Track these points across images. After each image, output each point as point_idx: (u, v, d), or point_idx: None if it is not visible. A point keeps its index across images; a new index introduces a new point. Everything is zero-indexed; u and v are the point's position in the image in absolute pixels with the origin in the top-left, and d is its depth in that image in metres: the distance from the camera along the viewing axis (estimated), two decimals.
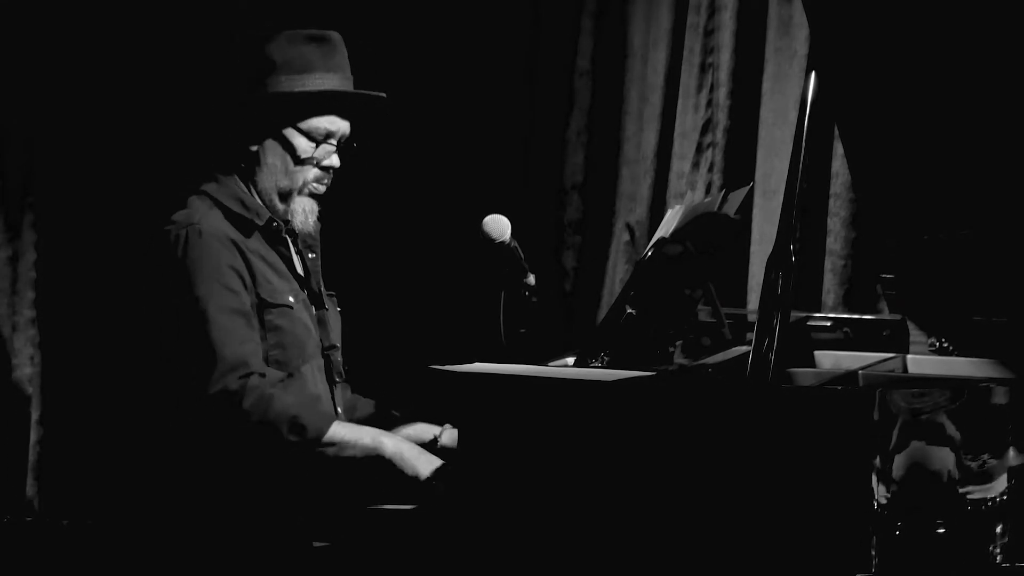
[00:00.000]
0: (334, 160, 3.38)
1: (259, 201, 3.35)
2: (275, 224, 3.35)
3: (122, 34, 5.15)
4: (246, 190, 3.36)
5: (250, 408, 3.11)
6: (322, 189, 3.39)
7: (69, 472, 5.14)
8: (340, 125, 3.37)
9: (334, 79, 3.36)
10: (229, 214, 3.31)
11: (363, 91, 3.40)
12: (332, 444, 3.16)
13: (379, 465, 3.16)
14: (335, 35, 3.39)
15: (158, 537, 3.29)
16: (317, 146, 3.35)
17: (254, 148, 3.35)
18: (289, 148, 3.34)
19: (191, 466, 3.25)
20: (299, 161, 3.35)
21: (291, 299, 3.33)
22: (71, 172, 5.16)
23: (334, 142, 3.37)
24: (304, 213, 3.38)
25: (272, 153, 3.35)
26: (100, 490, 5.02)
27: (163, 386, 3.27)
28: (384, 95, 3.43)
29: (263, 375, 3.18)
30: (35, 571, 4.73)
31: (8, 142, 5.10)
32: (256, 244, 3.32)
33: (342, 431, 3.19)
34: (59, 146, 5.15)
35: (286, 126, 3.34)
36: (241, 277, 3.24)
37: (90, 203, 5.17)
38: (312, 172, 3.36)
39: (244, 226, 3.31)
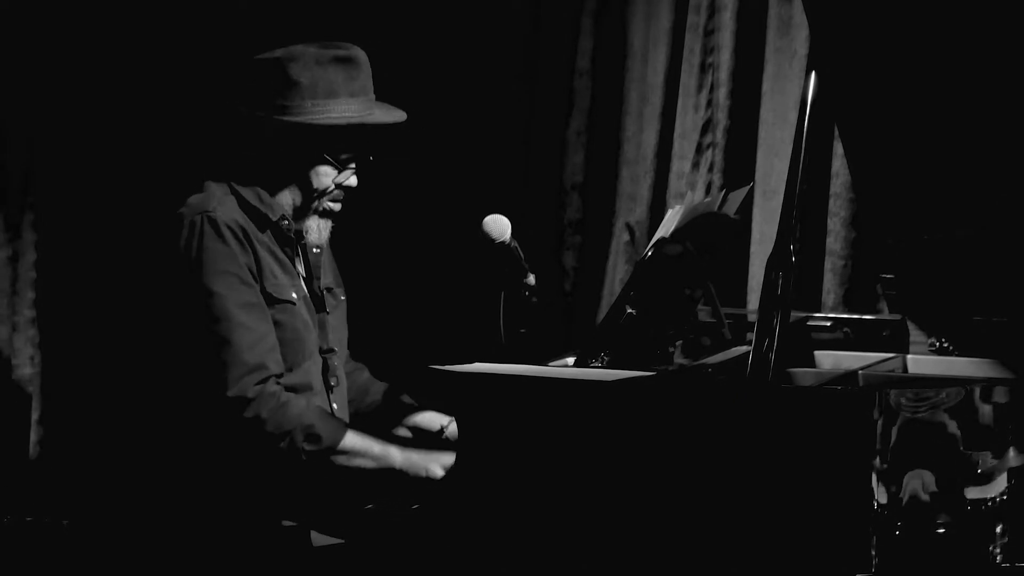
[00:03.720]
0: (352, 180, 3.36)
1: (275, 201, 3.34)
2: (286, 223, 3.34)
3: (122, 34, 5.15)
4: (265, 191, 3.33)
5: (266, 416, 3.12)
6: (337, 207, 3.38)
7: (69, 472, 5.14)
8: (360, 149, 3.36)
9: (358, 104, 3.31)
10: (244, 204, 3.28)
11: (385, 122, 3.35)
12: (344, 453, 3.17)
13: (392, 476, 3.17)
14: (359, 54, 3.34)
15: (158, 537, 3.29)
16: (337, 171, 3.34)
17: (273, 169, 3.32)
18: (312, 175, 3.32)
19: (192, 466, 3.25)
20: (319, 188, 3.33)
21: (294, 295, 3.32)
22: (71, 172, 5.17)
23: (353, 164, 3.36)
24: (318, 230, 3.38)
25: (290, 177, 3.33)
26: (100, 490, 5.02)
27: (170, 384, 3.26)
28: (405, 116, 3.39)
29: (280, 377, 3.19)
30: (35, 571, 4.73)
31: (8, 142, 5.10)
32: (266, 238, 3.30)
33: (355, 441, 3.19)
34: (59, 146, 5.16)
35: (307, 157, 3.31)
36: (251, 270, 3.24)
37: (90, 203, 5.17)
38: (330, 193, 3.35)
39: (258, 219, 3.29)
